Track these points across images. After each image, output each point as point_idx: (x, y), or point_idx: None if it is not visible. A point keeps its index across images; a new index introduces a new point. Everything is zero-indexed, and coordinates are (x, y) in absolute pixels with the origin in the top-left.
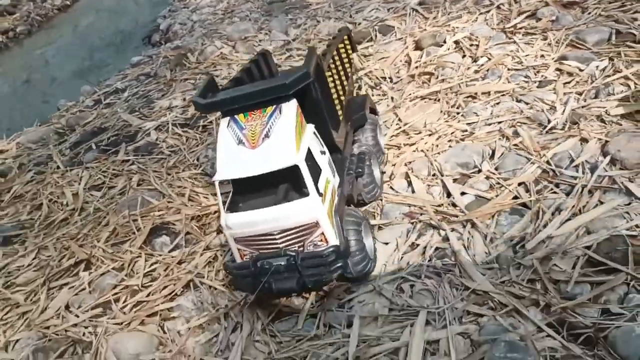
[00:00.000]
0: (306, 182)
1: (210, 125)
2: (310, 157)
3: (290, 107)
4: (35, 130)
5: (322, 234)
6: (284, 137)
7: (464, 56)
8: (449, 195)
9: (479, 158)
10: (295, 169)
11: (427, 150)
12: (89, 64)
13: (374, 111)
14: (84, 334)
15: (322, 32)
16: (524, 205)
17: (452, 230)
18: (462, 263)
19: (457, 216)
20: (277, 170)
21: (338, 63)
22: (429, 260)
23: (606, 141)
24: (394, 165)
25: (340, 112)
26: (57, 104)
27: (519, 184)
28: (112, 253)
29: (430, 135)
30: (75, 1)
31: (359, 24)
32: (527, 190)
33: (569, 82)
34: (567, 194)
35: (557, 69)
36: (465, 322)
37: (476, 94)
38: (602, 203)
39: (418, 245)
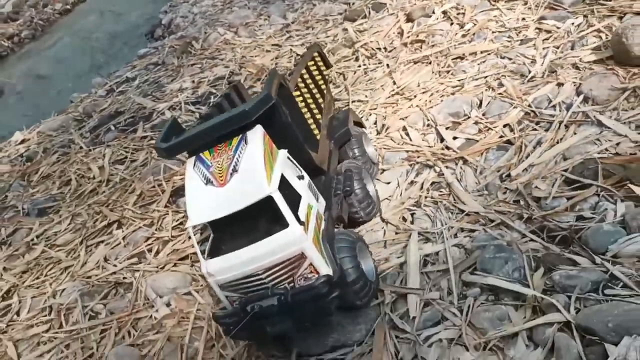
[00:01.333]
0: (283, 213)
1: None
2: (285, 185)
3: (256, 135)
4: (53, 119)
5: (311, 264)
6: (253, 169)
7: (451, 24)
8: (442, 140)
9: (468, 107)
10: (270, 200)
11: (421, 105)
12: (96, 61)
13: (359, 124)
14: (124, 278)
15: (318, 13)
16: (508, 142)
17: (447, 167)
18: (455, 192)
19: (450, 156)
20: (252, 205)
21: (309, 81)
22: (427, 192)
23: (580, 83)
24: (385, 119)
25: (317, 132)
26: (69, 97)
27: (504, 126)
28: (141, 213)
29: (423, 93)
30: (75, 5)
31: (353, 3)
32: (512, 130)
33: (547, 39)
34: (546, 130)
35: (537, 29)
36: (460, 237)
37: (464, 55)
38: (576, 134)
39: (416, 182)
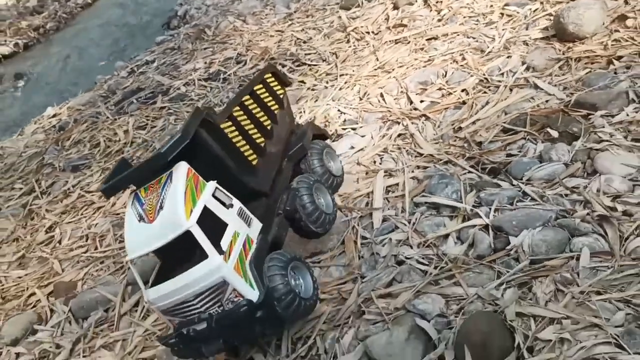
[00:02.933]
0: (202, 245)
1: (230, 77)
2: (209, 217)
3: (180, 173)
4: (81, 96)
5: (234, 289)
6: (173, 205)
7: (430, 10)
8: (411, 103)
9: (435, 77)
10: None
11: (397, 77)
12: (117, 49)
13: (322, 137)
14: None
15: (318, 3)
16: (463, 103)
17: (412, 123)
18: (416, 141)
19: (415, 114)
20: (180, 238)
21: (253, 106)
22: (394, 142)
23: (525, 56)
24: (367, 88)
25: (254, 157)
26: (94, 79)
27: (462, 90)
28: None
29: (400, 67)
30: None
31: None
32: (467, 94)
33: (507, 22)
34: (494, 93)
35: (501, 13)
36: (415, 172)
37: (437, 36)
38: (516, 94)
39: (387, 134)
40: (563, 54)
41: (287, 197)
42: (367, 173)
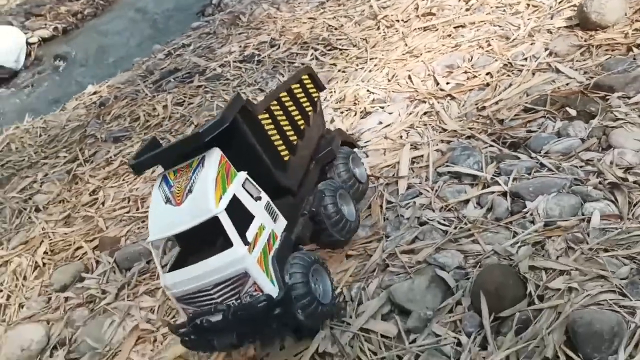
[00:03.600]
0: (228, 233)
1: (264, 59)
2: (237, 206)
3: (212, 158)
4: (120, 75)
5: (255, 283)
6: (204, 190)
7: (459, 0)
8: (437, 84)
9: (461, 61)
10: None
11: (425, 60)
12: (153, 34)
13: (351, 144)
14: None
15: None
16: (487, 85)
17: (438, 102)
18: (441, 117)
19: (441, 94)
20: (207, 223)
21: (289, 104)
22: (420, 119)
23: (548, 43)
24: (395, 71)
25: (286, 154)
26: (131, 62)
27: (486, 74)
28: None
29: (428, 52)
30: None
31: None
32: (491, 76)
33: (533, 12)
34: (517, 76)
35: (527, 4)
36: (439, 145)
37: (464, 24)
38: (538, 77)
39: (413, 112)
40: (585, 41)
41: (313, 199)
42: (393, 146)
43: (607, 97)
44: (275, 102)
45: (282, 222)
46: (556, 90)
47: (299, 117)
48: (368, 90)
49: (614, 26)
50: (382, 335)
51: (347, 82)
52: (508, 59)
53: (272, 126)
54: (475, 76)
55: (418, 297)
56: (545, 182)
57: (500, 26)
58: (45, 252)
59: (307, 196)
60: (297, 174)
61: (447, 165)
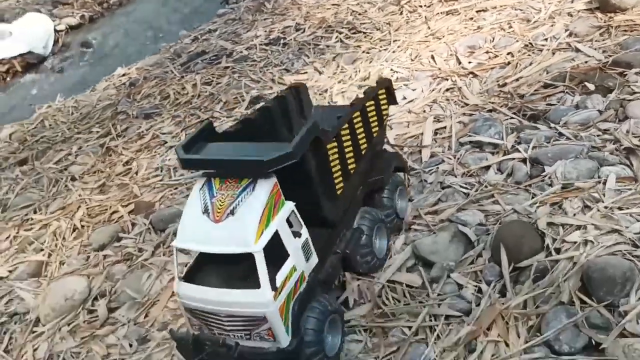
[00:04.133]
0: (259, 274)
1: (290, 42)
2: (276, 243)
3: (265, 186)
4: (149, 58)
5: (270, 329)
6: (247, 220)
7: None
8: (459, 63)
9: (483, 42)
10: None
11: (447, 42)
12: (178, 22)
13: (401, 169)
14: None
15: None
16: (509, 63)
17: (460, 79)
18: (463, 93)
19: (463, 72)
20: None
21: (358, 125)
22: (442, 94)
23: (568, 24)
24: (418, 51)
25: (341, 184)
26: (158, 47)
27: (508, 53)
28: (227, 114)
29: (450, 34)
30: None
31: None
32: (512, 56)
33: None
34: (537, 55)
35: None
36: (461, 117)
37: (486, 8)
38: (558, 56)
39: (436, 89)
40: (604, 22)
41: (351, 238)
42: (417, 119)
43: (625, 73)
44: (346, 125)
45: (313, 261)
46: (575, 68)
47: (364, 139)
48: (392, 70)
49: (633, 8)
50: (407, 285)
51: (371, 62)
52: (529, 40)
53: (336, 155)
54: (496, 56)
55: (441, 250)
56: (563, 148)
57: (521, 10)
58: (82, 216)
59: (344, 229)
60: (344, 205)
61: (469, 135)
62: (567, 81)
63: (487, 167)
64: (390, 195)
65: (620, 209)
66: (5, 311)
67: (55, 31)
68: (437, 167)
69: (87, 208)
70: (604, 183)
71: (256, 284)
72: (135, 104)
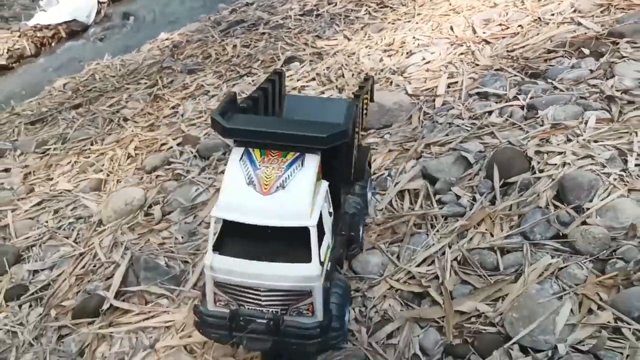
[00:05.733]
0: (312, 248)
1: (322, 13)
2: (320, 220)
3: (313, 161)
4: (190, 25)
5: (311, 304)
6: (301, 194)
7: None
8: (475, 32)
9: (497, 16)
10: (303, 229)
11: (465, 15)
12: None
13: (369, 164)
14: None
15: None
16: (518, 33)
17: (474, 45)
18: (475, 56)
19: (477, 40)
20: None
21: (359, 116)
22: (457, 57)
23: (574, 2)
24: (439, 23)
25: (350, 167)
26: (197, 18)
27: (518, 25)
28: (264, 70)
29: (468, 10)
30: None
31: None
32: (522, 28)
33: None
34: (544, 27)
35: None
36: (472, 75)
37: None
38: (561, 28)
39: (452, 52)
40: (606, 1)
41: (351, 221)
42: (433, 76)
43: (617, 42)
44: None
45: (332, 242)
46: (575, 37)
47: (357, 129)
48: (414, 37)
49: None
50: (414, 195)
51: (395, 31)
52: (538, 15)
53: (355, 140)
54: (508, 27)
55: (445, 169)
56: (556, 97)
57: None
58: (135, 147)
59: (342, 213)
60: (346, 189)
61: (477, 88)
62: (566, 47)
63: (490, 112)
64: (365, 185)
65: (595, 141)
66: (72, 215)
67: (98, 2)
68: (447, 112)
69: (140, 141)
70: (586, 123)
71: (302, 259)
72: (179, 62)
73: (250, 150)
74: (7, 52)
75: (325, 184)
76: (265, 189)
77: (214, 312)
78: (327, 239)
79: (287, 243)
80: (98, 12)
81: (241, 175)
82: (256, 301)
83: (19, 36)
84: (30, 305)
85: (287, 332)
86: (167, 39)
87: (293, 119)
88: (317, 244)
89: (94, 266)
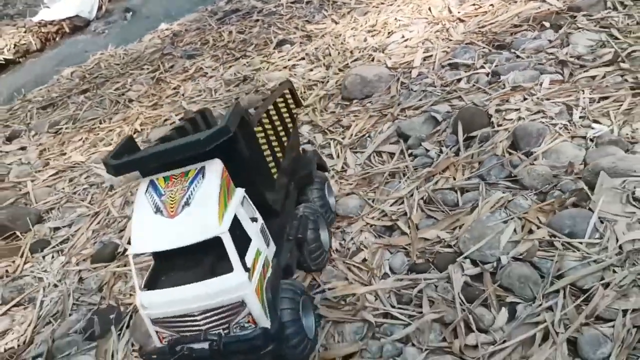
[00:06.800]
0: (230, 256)
1: (312, 1)
2: (237, 226)
3: (214, 169)
4: (188, 16)
5: (250, 314)
6: (206, 205)
7: None
8: (450, 12)
9: None
10: (218, 239)
11: None
12: None
13: (322, 168)
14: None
15: None
16: (489, 12)
17: (449, 23)
18: (449, 33)
19: (452, 19)
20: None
21: (276, 118)
22: (433, 34)
23: None
24: (419, 6)
25: (274, 171)
26: (195, 9)
27: (490, 5)
28: (257, 53)
29: None
30: None
31: None
32: (494, 7)
33: None
34: (513, 5)
35: None
36: (445, 49)
37: None
38: (527, 5)
39: (429, 31)
40: None
41: (299, 224)
42: (411, 51)
43: (575, 16)
44: (265, 115)
45: (272, 248)
46: (539, 12)
47: (283, 132)
48: (395, 19)
49: None
50: (389, 154)
51: (379, 14)
52: None
53: (263, 140)
54: (480, 7)
55: (416, 127)
56: (517, 64)
57: None
58: (141, 123)
59: (289, 219)
60: (281, 194)
61: (449, 60)
62: (530, 22)
63: (459, 80)
64: (320, 189)
65: (548, 99)
66: (86, 182)
67: None
68: (422, 81)
69: (145, 118)
70: (541, 84)
71: (227, 269)
72: (179, 49)
73: (154, 179)
74: (14, 47)
75: (240, 191)
76: (172, 211)
77: (156, 350)
78: (255, 244)
79: (213, 259)
80: (99, 8)
81: (148, 206)
82: (196, 327)
83: (25, 32)
84: (53, 256)
85: (232, 348)
86: (167, 29)
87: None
88: (234, 250)
89: (108, 222)
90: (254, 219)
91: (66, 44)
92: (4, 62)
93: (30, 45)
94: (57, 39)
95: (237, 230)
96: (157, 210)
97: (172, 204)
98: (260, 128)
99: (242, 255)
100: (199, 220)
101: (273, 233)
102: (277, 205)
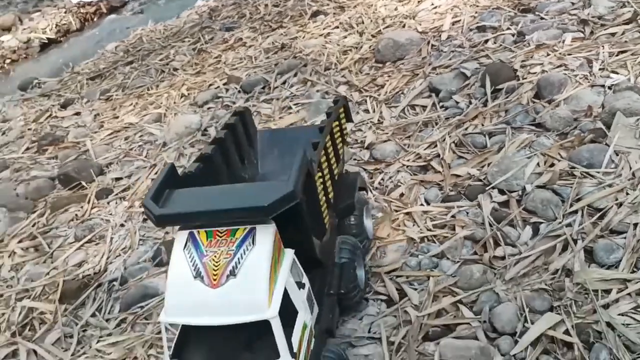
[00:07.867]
0: (277, 343)
1: None
2: (285, 301)
3: (267, 235)
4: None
5: None
6: (254, 280)
7: None
8: None
9: None
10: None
11: None
12: None
13: (363, 189)
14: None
15: None
16: None
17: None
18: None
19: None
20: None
21: (330, 150)
22: (462, 1)
23: None
24: None
25: (326, 217)
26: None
27: None
28: (293, 24)
29: None
30: None
31: None
32: None
33: None
34: None
35: None
36: (474, 14)
37: None
38: None
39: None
40: None
41: (342, 274)
42: (440, 17)
43: None
44: (322, 152)
45: (315, 312)
46: None
47: (334, 160)
48: None
49: None
50: (422, 107)
51: None
52: None
53: (321, 186)
54: None
55: (447, 82)
56: (541, 24)
57: None
58: (187, 88)
59: (330, 265)
60: (331, 242)
61: (476, 24)
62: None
63: (487, 40)
64: (359, 218)
65: (569, 54)
66: (140, 140)
67: None
68: (451, 42)
69: (191, 83)
70: (563, 41)
71: (270, 354)
72: (218, 22)
73: (195, 233)
74: (55, 27)
75: (289, 254)
76: (215, 280)
77: None
78: (301, 317)
79: (253, 335)
80: None
81: (186, 268)
82: None
83: (65, 12)
84: (117, 202)
85: None
86: (203, 5)
87: (234, 185)
88: (282, 335)
89: None
90: (300, 285)
91: (104, 23)
92: (47, 41)
93: (70, 25)
94: (95, 19)
95: (285, 307)
96: (198, 274)
97: (215, 271)
98: (319, 174)
99: (287, 334)
100: (246, 298)
101: (314, 286)
102: (326, 260)
